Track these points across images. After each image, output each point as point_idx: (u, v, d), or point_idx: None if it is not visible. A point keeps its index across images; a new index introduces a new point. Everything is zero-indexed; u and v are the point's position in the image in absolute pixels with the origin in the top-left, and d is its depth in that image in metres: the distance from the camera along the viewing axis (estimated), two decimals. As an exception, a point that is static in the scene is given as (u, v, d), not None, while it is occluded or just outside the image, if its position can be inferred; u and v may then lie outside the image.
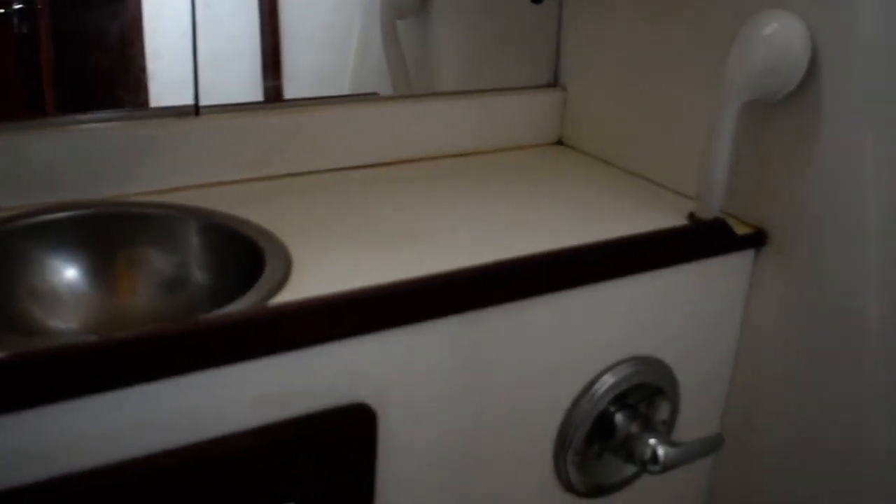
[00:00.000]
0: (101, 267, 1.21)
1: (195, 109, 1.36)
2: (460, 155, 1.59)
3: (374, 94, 1.57)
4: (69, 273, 1.19)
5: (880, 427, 1.25)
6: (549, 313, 1.20)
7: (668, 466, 1.26)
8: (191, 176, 1.35)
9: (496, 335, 1.17)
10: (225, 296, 1.06)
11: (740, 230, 1.35)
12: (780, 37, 1.23)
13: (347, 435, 1.06)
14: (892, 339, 1.22)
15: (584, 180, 1.53)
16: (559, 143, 1.70)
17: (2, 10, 1.24)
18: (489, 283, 1.13)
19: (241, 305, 1.02)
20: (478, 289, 1.12)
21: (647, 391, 1.33)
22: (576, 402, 1.28)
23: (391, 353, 1.08)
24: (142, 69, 1.35)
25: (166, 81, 1.37)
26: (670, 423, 1.38)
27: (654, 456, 1.25)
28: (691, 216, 1.35)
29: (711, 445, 1.31)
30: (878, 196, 1.21)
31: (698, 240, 1.33)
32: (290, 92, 1.49)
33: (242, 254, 1.17)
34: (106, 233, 1.23)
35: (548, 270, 1.18)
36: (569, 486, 1.33)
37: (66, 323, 1.18)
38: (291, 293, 1.06)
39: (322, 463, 1.05)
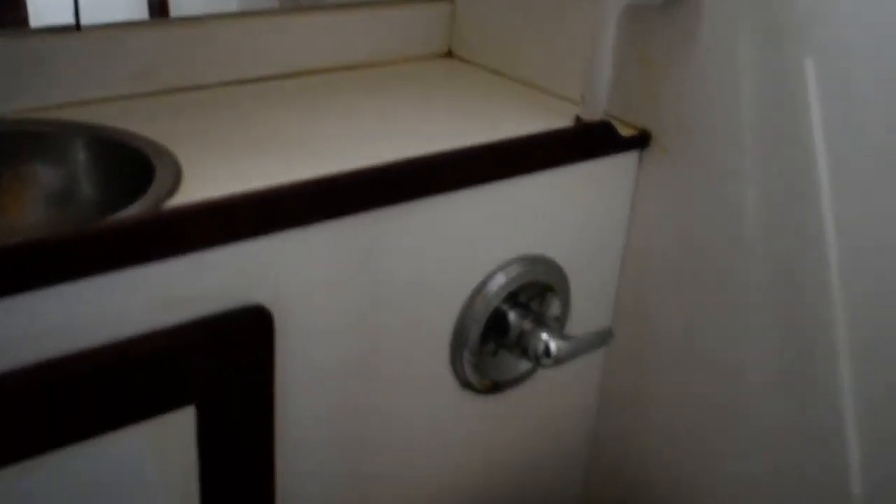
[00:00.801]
0: (-13, 184, 1.19)
1: (76, 26, 1.33)
2: (350, 67, 1.59)
3: (262, 8, 1.55)
4: (-46, 191, 1.18)
5: (763, 313, 1.31)
6: (439, 214, 1.23)
7: (560, 360, 1.30)
8: (74, 92, 1.32)
9: (388, 237, 1.19)
10: (115, 208, 1.05)
11: (625, 132, 1.39)
12: (656, -61, 1.26)
13: (244, 337, 1.07)
14: (770, 229, 1.28)
15: (474, 89, 1.55)
16: (449, 54, 1.72)
17: None
18: (378, 185, 1.15)
19: (131, 212, 1.02)
20: (367, 190, 1.14)
21: (538, 289, 1.37)
22: (469, 302, 1.31)
23: (285, 256, 1.10)
24: (19, -15, 1.32)
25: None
26: (562, 319, 1.43)
27: (547, 350, 1.30)
28: (577, 119, 1.39)
29: (602, 338, 1.36)
30: (753, 98, 1.26)
31: (583, 141, 1.37)
32: (176, 10, 1.47)
33: (130, 165, 1.16)
34: (-10, 150, 1.21)
35: (435, 171, 1.20)
36: (466, 384, 1.38)
37: (-48, 241, 1.16)
38: (182, 199, 1.06)
39: (220, 365, 1.06)
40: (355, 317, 1.21)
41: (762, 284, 1.30)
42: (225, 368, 1.07)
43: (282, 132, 1.29)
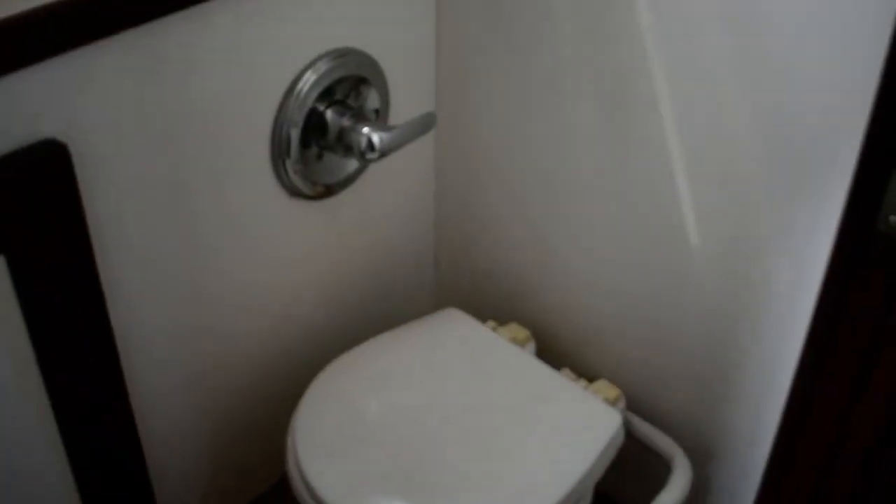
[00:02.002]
0: None
1: None
2: None
3: None
4: None
5: (578, 73, 1.30)
6: (233, 16, 1.15)
7: (385, 151, 1.27)
8: None
9: (180, 48, 1.11)
10: None
11: None
12: None
13: (39, 173, 1.00)
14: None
15: None
16: None
17: None
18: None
19: None
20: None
21: (352, 83, 1.32)
22: (282, 107, 1.26)
23: (70, 81, 1.02)
24: None
25: None
26: (383, 112, 1.40)
27: (371, 143, 1.27)
28: None
29: (424, 124, 1.33)
30: None
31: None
32: None
33: None
34: None
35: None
36: (296, 193, 1.34)
37: None
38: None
39: (19, 207, 0.99)
40: (161, 137, 1.15)
41: (572, 40, 1.28)
42: (26, 209, 1.00)
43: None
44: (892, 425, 0.92)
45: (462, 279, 1.67)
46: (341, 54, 1.30)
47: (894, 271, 0.80)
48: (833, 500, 1.00)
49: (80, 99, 1.04)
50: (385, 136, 1.27)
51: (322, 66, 1.27)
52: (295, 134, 1.27)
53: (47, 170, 1.01)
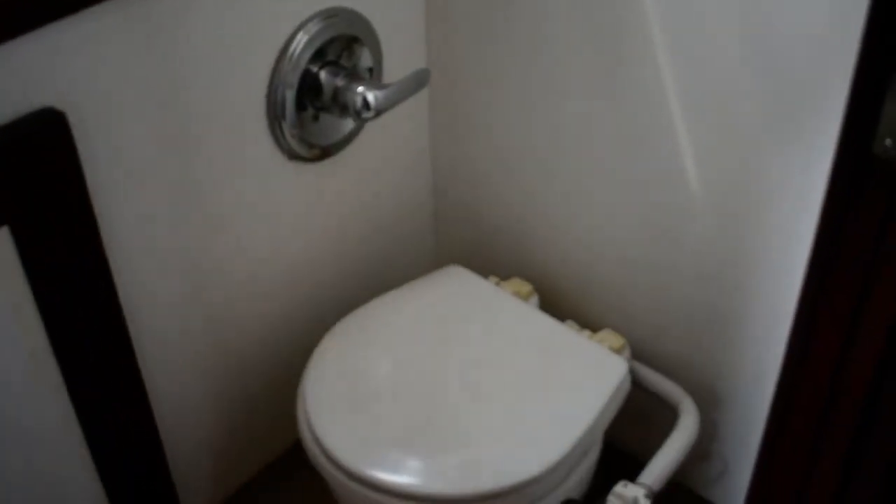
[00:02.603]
0: None
1: None
2: None
3: None
4: None
5: (569, 32, 1.30)
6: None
7: (380, 109, 1.27)
8: None
9: (175, 11, 1.11)
10: None
11: None
12: None
13: (39, 142, 1.00)
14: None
15: None
16: None
17: None
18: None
19: None
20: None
21: (344, 42, 1.32)
22: (275, 70, 1.26)
23: (66, 48, 1.02)
24: None
25: None
26: (377, 70, 1.39)
27: (366, 102, 1.26)
28: None
29: (418, 80, 1.32)
30: None
31: None
32: None
33: None
34: None
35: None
36: (294, 156, 1.35)
37: None
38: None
39: (20, 178, 0.99)
40: (158, 102, 1.15)
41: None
42: (26, 179, 1.00)
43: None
44: (892, 351, 0.92)
45: (462, 236, 1.67)
46: (332, 14, 1.29)
47: (891, 194, 0.81)
48: (838, 430, 1.01)
49: (77, 66, 1.04)
50: (380, 93, 1.27)
51: (313, 27, 1.27)
52: (290, 96, 1.27)
53: (46, 138, 1.01)
